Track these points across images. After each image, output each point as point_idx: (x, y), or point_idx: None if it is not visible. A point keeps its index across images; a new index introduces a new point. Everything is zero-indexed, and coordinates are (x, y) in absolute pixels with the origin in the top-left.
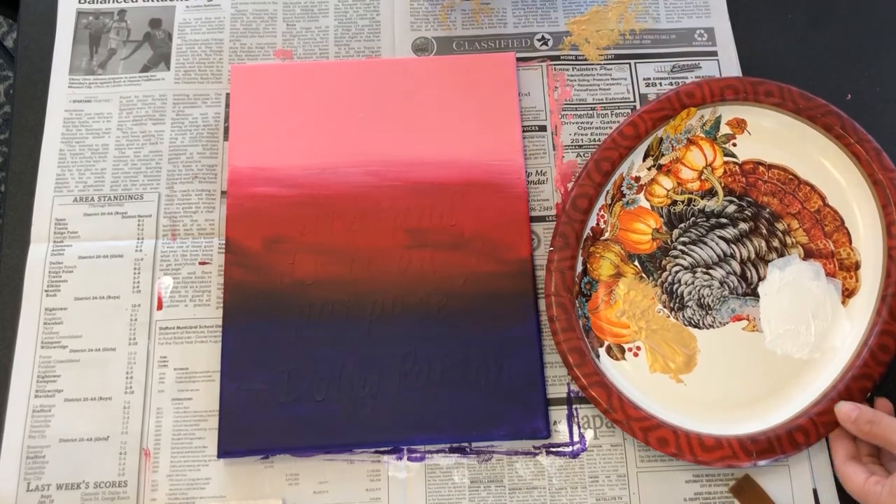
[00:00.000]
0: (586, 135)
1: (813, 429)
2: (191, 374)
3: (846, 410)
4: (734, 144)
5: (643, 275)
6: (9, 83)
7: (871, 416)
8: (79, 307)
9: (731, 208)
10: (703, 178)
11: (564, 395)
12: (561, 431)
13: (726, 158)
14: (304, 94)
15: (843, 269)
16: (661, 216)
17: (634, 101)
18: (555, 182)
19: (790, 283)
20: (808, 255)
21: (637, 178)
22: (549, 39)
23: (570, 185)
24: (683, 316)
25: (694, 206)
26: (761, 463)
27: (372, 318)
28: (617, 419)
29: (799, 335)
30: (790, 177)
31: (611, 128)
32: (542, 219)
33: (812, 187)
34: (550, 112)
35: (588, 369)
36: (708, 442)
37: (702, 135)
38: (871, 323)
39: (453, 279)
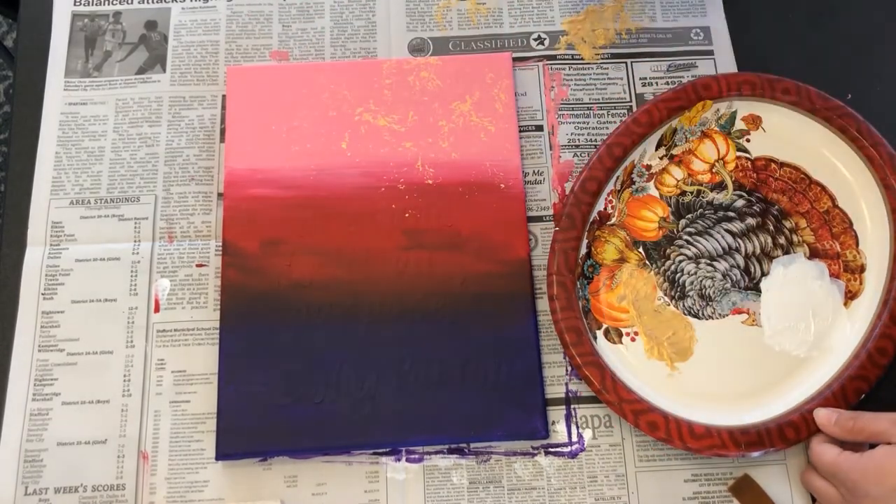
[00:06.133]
0: (583, 134)
1: (804, 425)
2: (188, 377)
3: (825, 415)
4: (748, 140)
5: (646, 262)
6: (8, 83)
7: (850, 413)
8: (76, 310)
9: (740, 203)
10: (714, 171)
11: (563, 396)
12: (559, 431)
13: (739, 153)
14: (301, 96)
15: (849, 271)
16: (670, 205)
17: (631, 101)
18: (552, 182)
19: (793, 280)
20: (814, 254)
21: (648, 167)
22: (545, 39)
23: (575, 173)
24: (683, 305)
25: (703, 197)
26: (751, 455)
27: (370, 320)
28: (609, 400)
29: (798, 333)
30: (802, 176)
31: (608, 128)
32: (539, 219)
33: (823, 188)
34: (547, 112)
35: (584, 349)
36: (698, 430)
37: (716, 128)
38: (871, 326)
39: (451, 280)
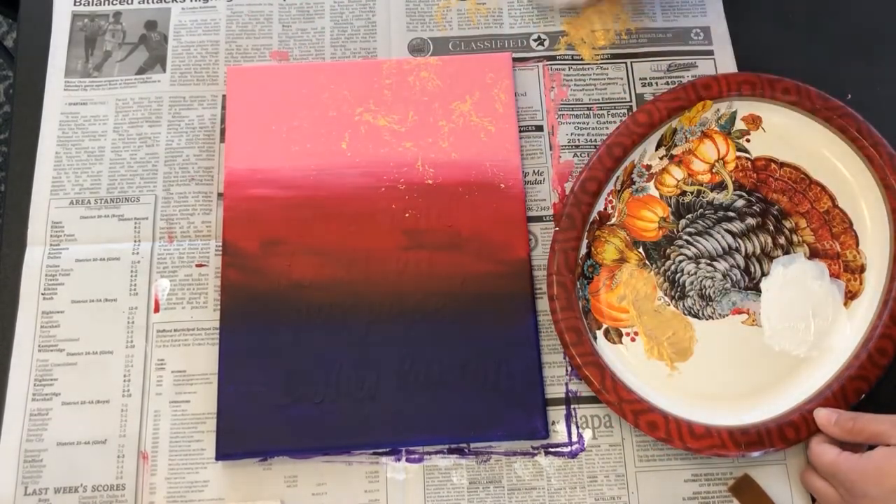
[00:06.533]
0: (583, 135)
1: (804, 425)
2: (188, 377)
3: (825, 415)
4: (748, 140)
5: (646, 262)
6: (8, 83)
7: (850, 414)
8: (76, 310)
9: (740, 203)
10: (714, 171)
11: (563, 396)
12: (559, 431)
13: (739, 153)
14: (301, 96)
15: (849, 271)
16: (670, 205)
17: (630, 101)
18: (552, 182)
19: (793, 280)
20: (814, 254)
21: (648, 167)
22: (545, 39)
23: (575, 173)
24: (683, 305)
25: (703, 197)
26: (751, 455)
27: (370, 320)
28: (609, 400)
29: (798, 333)
30: (802, 176)
31: (608, 128)
32: (539, 219)
33: (823, 188)
34: (547, 112)
35: (584, 349)
36: (698, 430)
37: (716, 128)
38: (872, 326)
39: (451, 280)
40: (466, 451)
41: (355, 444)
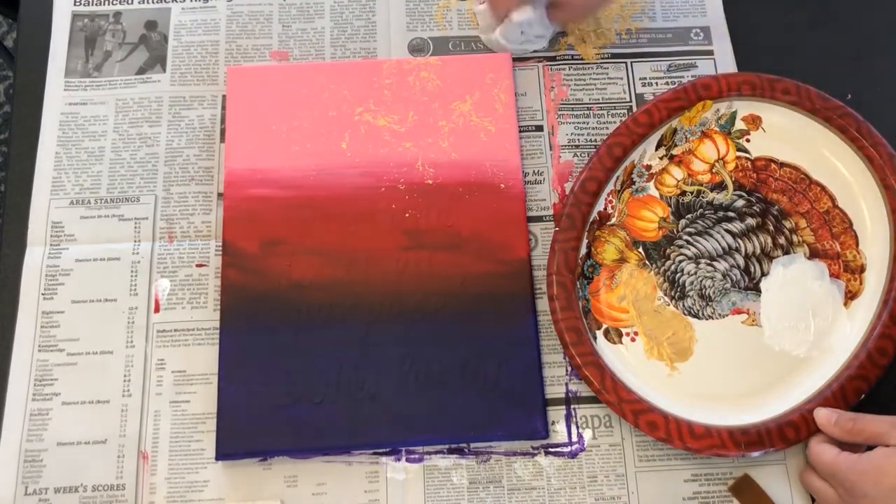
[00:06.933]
0: (583, 135)
1: (804, 425)
2: (188, 377)
3: (825, 415)
4: (748, 140)
5: (646, 262)
6: (8, 83)
7: (850, 415)
8: (76, 310)
9: (740, 203)
10: (714, 171)
11: (563, 396)
12: (559, 432)
13: (739, 153)
14: (301, 96)
15: (849, 271)
16: (670, 205)
17: (631, 101)
18: (552, 182)
19: (793, 280)
20: (814, 254)
21: (648, 167)
22: None
23: (575, 173)
24: (683, 305)
25: (703, 197)
26: (751, 455)
27: (370, 320)
28: (609, 400)
29: (798, 333)
30: (801, 176)
31: (608, 128)
32: (539, 219)
33: (823, 188)
34: (547, 112)
35: (584, 349)
36: (698, 430)
37: (716, 128)
38: (871, 326)
39: (451, 280)
40: (466, 451)
41: (355, 444)
